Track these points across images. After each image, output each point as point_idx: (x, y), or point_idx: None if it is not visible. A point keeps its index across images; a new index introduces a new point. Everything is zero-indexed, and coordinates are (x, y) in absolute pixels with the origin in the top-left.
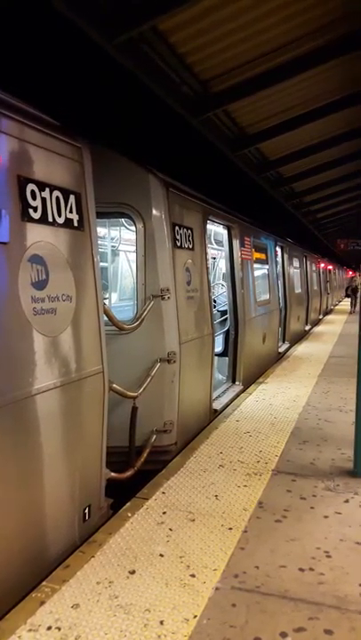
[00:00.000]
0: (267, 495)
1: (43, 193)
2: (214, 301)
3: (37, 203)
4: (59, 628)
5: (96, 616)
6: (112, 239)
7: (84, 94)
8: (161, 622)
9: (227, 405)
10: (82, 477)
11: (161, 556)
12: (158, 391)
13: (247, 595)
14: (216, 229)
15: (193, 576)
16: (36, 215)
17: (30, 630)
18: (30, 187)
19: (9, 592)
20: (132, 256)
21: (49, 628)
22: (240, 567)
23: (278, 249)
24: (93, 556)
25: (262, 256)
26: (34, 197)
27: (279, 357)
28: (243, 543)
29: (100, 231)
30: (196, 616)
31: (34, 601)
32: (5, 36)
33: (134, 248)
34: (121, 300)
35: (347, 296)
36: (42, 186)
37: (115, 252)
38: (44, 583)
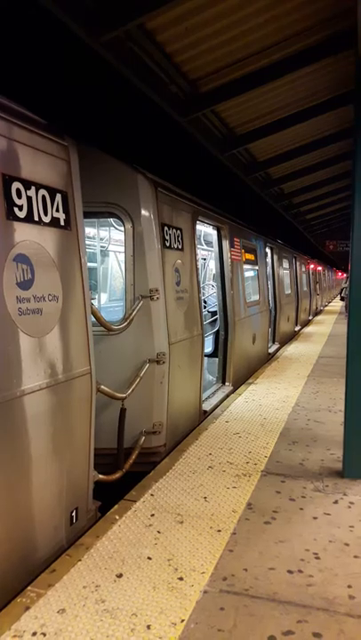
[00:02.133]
0: (256, 496)
1: (28, 191)
2: (204, 302)
3: (23, 201)
4: (44, 634)
5: (82, 621)
6: (101, 239)
7: (71, 92)
8: (148, 627)
9: (216, 406)
10: (69, 480)
11: (149, 558)
12: (147, 392)
13: (236, 598)
14: (206, 230)
15: (181, 579)
16: (22, 214)
17: (15, 636)
18: (15, 185)
19: None
20: (122, 256)
21: (34, 633)
22: (229, 570)
23: (268, 250)
24: (80, 560)
25: (252, 257)
26: (19, 196)
27: (269, 358)
28: (231, 545)
29: (90, 231)
30: (183, 620)
31: (18, 606)
32: None
33: (123, 248)
34: (111, 300)
35: (341, 299)
36: (27, 184)
37: (104, 253)
38: (29, 588)
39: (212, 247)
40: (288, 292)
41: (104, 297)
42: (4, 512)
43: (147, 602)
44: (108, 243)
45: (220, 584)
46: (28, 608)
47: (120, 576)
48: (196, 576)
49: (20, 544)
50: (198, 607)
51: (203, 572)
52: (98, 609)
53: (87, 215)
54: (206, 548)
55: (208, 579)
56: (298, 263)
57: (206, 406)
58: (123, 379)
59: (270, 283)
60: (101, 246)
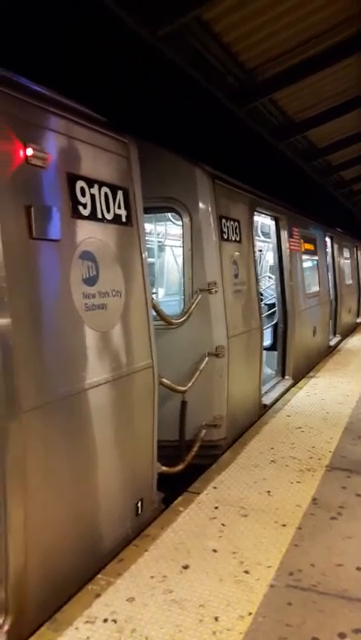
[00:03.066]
0: (321, 492)
1: (91, 189)
2: (261, 295)
3: (87, 199)
4: (115, 621)
5: (151, 610)
6: (158, 234)
7: (128, 89)
8: (216, 618)
9: (276, 400)
10: (134, 471)
11: (214, 551)
12: (207, 386)
13: (303, 593)
14: (263, 221)
15: (247, 572)
16: (86, 212)
17: (87, 622)
18: (79, 183)
19: (64, 584)
20: (178, 251)
21: (105, 620)
22: (295, 565)
23: (328, 239)
24: (147, 550)
25: (311, 247)
26: (83, 194)
27: (330, 351)
28: (297, 540)
29: (147, 227)
30: (251, 613)
31: (89, 593)
32: (48, 33)
33: (180, 243)
34: (167, 295)
35: None
36: (90, 182)
37: (161, 248)
38: (99, 576)
39: (268, 238)
40: (349, 282)
41: (161, 291)
42: (73, 502)
43: (214, 594)
44: (164, 237)
45: (286, 579)
46: (98, 595)
47: (186, 567)
48: (262, 570)
49: (89, 533)
50: (265, 601)
51: (269, 566)
52: (166, 599)
53: (146, 210)
54: (271, 542)
55: (274, 573)
56: (359, 252)
57: (266, 400)
58: (182, 372)
59: (330, 273)
60: (158, 241)
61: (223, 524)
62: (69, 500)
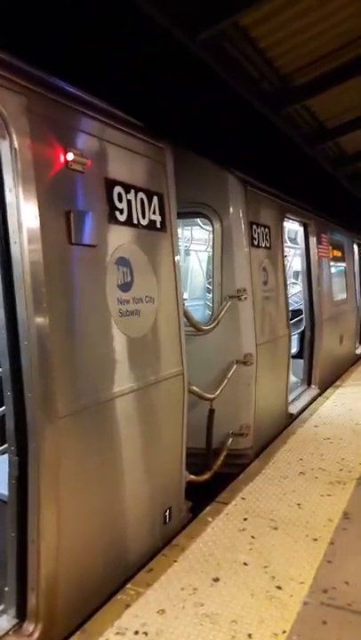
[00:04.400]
0: (352, 505)
1: (128, 195)
2: None
3: (123, 205)
4: (145, 634)
5: (182, 623)
6: (185, 239)
7: (163, 94)
8: (249, 635)
9: (303, 409)
10: (163, 478)
11: (245, 564)
12: (235, 394)
13: (338, 612)
14: (289, 227)
15: (279, 588)
16: (122, 217)
17: (117, 634)
18: (117, 189)
19: (93, 593)
20: (203, 256)
21: (136, 632)
22: (329, 582)
23: (356, 246)
24: (176, 561)
25: (339, 254)
26: (120, 200)
27: (356, 360)
28: (330, 556)
29: None
30: (285, 631)
31: (119, 603)
32: (86, 37)
33: (205, 247)
34: (190, 299)
35: None
36: (127, 188)
37: (186, 252)
38: (128, 586)
39: (294, 244)
40: None
41: (185, 296)
42: (103, 509)
43: (246, 609)
44: (190, 242)
45: (320, 596)
46: (128, 606)
47: (217, 580)
48: (294, 586)
49: (118, 540)
50: (299, 619)
51: (301, 582)
52: (197, 612)
53: (177, 216)
54: (303, 556)
55: (308, 590)
56: None
57: (293, 409)
58: (209, 379)
59: (358, 280)
60: (184, 246)
61: (253, 537)
62: (99, 507)
